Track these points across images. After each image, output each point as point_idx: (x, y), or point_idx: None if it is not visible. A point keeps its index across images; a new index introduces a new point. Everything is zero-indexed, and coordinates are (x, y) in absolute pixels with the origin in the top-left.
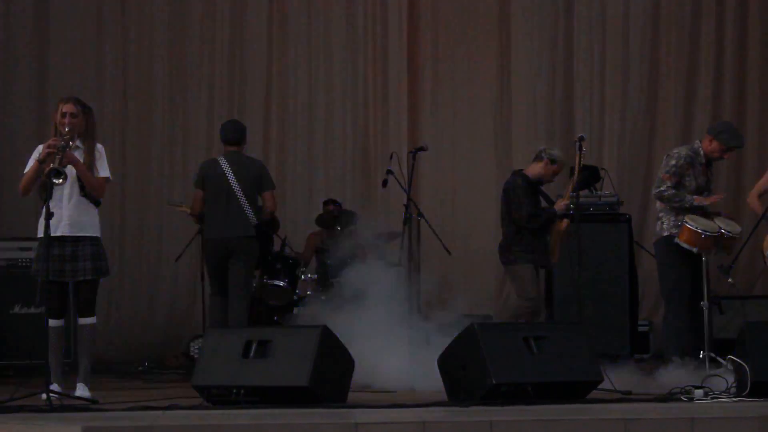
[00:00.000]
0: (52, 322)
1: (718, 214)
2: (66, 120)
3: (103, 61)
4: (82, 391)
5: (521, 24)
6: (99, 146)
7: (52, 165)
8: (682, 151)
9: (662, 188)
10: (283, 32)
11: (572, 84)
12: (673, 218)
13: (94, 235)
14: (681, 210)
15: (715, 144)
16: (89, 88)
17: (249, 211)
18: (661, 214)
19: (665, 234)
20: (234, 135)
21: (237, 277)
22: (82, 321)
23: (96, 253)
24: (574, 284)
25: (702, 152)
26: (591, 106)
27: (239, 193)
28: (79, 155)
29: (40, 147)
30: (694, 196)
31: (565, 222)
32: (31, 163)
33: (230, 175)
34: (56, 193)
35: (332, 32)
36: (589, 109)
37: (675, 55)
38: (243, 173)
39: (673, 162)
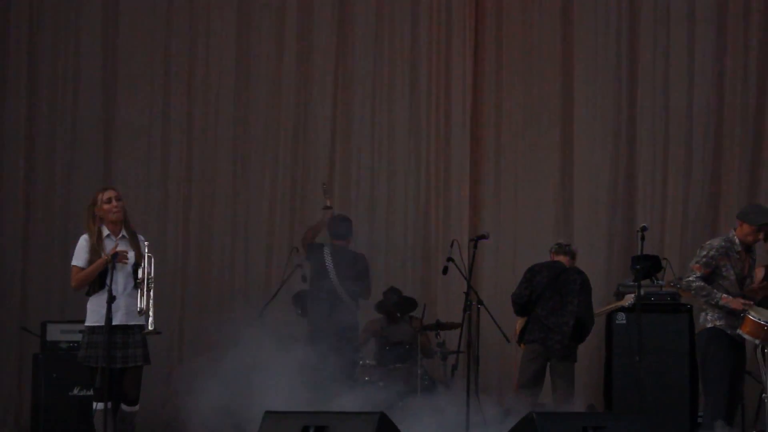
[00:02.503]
0: (104, 406)
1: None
2: (114, 204)
3: (167, 141)
4: None
5: (583, 113)
6: (140, 236)
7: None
8: (715, 242)
9: (690, 278)
10: (347, 116)
11: (635, 173)
12: (717, 310)
13: (142, 323)
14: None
15: (746, 227)
16: (154, 171)
17: (351, 304)
18: (705, 306)
19: (708, 326)
20: (340, 230)
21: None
22: (131, 408)
23: (144, 341)
24: (634, 374)
25: (737, 240)
26: (653, 195)
27: (341, 291)
28: (124, 244)
29: (84, 239)
30: (723, 295)
31: None
32: (82, 257)
33: (332, 272)
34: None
35: (396, 118)
36: (651, 199)
37: (739, 147)
38: (344, 270)
39: (704, 252)
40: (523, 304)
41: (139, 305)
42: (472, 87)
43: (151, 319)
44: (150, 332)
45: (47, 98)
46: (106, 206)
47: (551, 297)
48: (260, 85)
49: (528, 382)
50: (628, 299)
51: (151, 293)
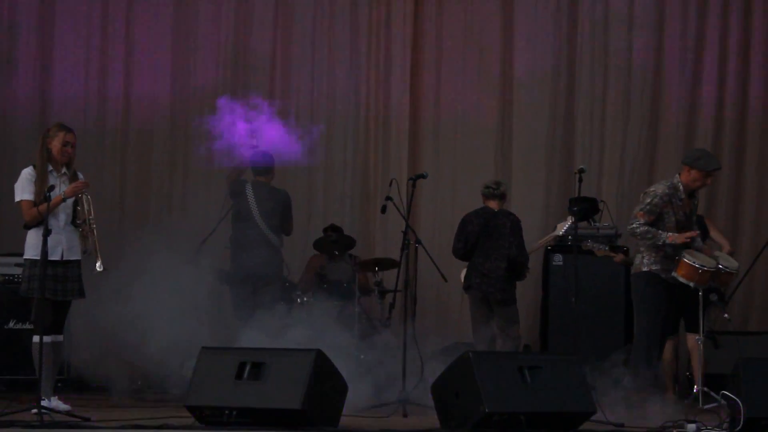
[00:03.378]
0: (46, 339)
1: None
2: (68, 150)
3: (105, 73)
4: (58, 403)
5: (524, 56)
6: (80, 175)
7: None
8: (659, 189)
9: (634, 225)
10: (286, 55)
11: (573, 116)
12: (653, 254)
13: (79, 258)
14: (659, 247)
15: (694, 173)
16: (91, 116)
17: (274, 240)
18: (642, 249)
19: (644, 269)
20: (260, 166)
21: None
22: (59, 338)
23: (80, 276)
24: (570, 315)
25: (681, 186)
26: (591, 138)
27: (263, 227)
28: (65, 182)
29: (27, 173)
30: (668, 234)
31: None
32: (30, 190)
33: (254, 207)
34: (53, 218)
35: (335, 59)
36: (589, 142)
37: (676, 90)
38: (265, 205)
39: (649, 200)
40: (461, 256)
41: (83, 246)
42: (412, 25)
43: (99, 262)
44: (99, 273)
45: None
46: (63, 148)
47: (484, 243)
48: (200, 22)
49: (478, 327)
50: (560, 228)
51: (95, 233)
